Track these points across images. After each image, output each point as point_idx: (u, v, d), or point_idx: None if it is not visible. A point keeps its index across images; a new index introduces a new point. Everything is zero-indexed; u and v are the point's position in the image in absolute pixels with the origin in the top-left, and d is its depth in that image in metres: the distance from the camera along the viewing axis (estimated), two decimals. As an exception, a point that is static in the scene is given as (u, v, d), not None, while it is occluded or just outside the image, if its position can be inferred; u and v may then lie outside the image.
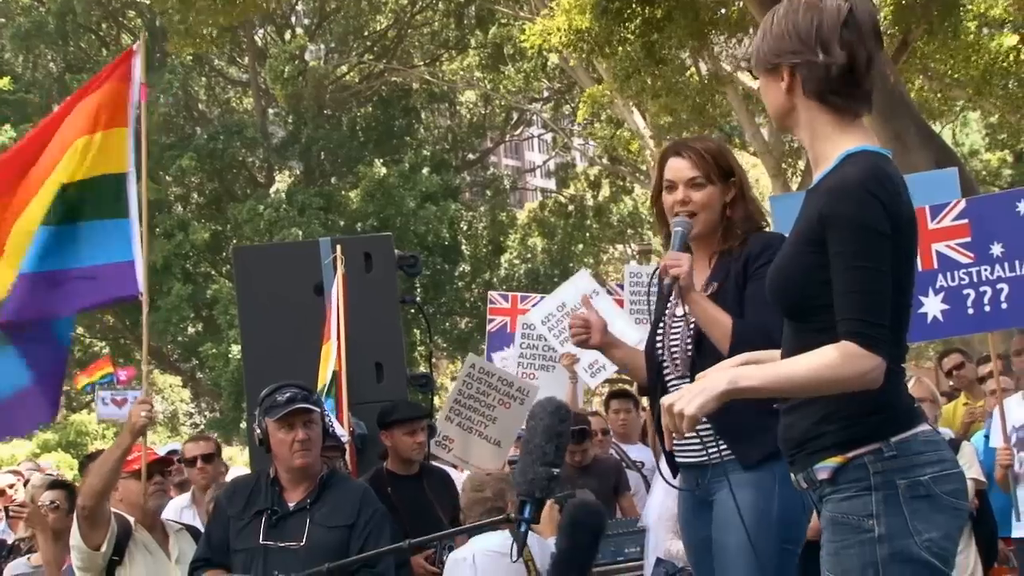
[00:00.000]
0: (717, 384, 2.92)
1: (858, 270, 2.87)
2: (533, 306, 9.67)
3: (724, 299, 4.00)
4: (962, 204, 6.83)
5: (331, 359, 6.29)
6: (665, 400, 2.96)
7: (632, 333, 6.71)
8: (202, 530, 5.75)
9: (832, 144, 3.02)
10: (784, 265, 3.07)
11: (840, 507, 2.94)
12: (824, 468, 2.97)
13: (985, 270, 6.65)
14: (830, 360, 2.84)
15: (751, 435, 3.88)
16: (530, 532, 5.15)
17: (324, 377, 6.28)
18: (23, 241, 5.77)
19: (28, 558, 6.72)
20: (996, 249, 6.63)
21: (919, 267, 6.48)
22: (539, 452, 3.33)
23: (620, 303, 8.64)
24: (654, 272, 4.17)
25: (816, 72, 3.00)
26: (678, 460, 4.16)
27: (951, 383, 9.14)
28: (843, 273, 2.88)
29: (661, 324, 4.20)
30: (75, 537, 5.19)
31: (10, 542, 7.77)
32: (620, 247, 37.05)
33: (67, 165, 5.84)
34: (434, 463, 7.16)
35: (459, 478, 7.24)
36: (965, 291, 6.70)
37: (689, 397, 2.91)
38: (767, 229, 4.39)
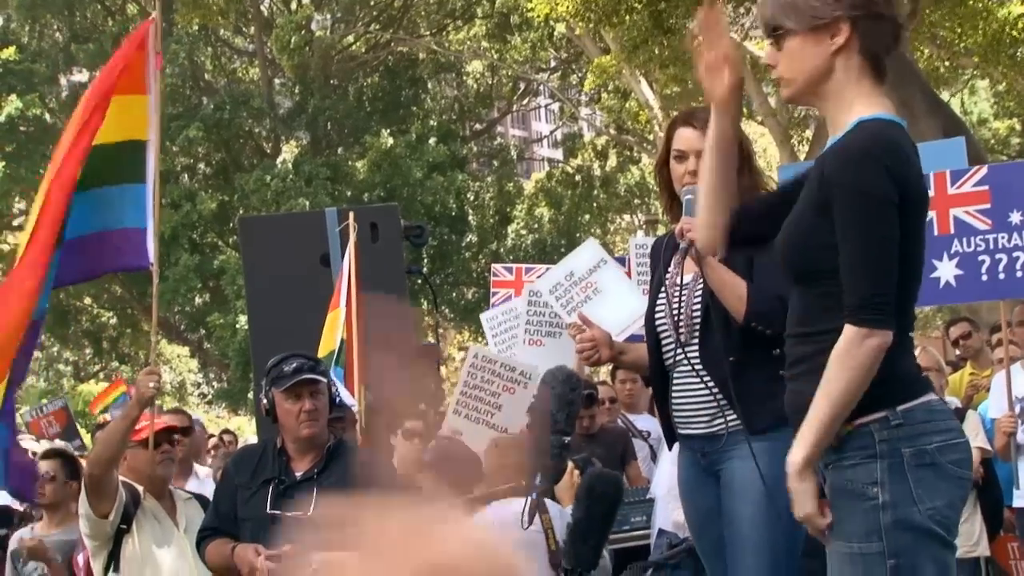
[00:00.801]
0: (796, 480, 2.98)
1: (859, 239, 2.86)
2: (538, 277, 9.68)
3: (732, 267, 4.00)
4: (983, 171, 6.80)
5: (339, 327, 6.29)
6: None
7: (637, 303, 6.71)
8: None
9: (851, 113, 2.99)
10: (791, 231, 3.06)
11: (845, 474, 2.96)
12: None
13: (1002, 237, 6.63)
14: (845, 359, 2.86)
15: (761, 401, 3.88)
16: (551, 501, 5.18)
17: (331, 344, 6.28)
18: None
19: (32, 527, 6.75)
20: (1015, 217, 6.61)
21: (935, 231, 6.48)
22: (550, 420, 3.32)
23: (629, 275, 8.63)
24: (667, 234, 4.17)
25: (880, 28, 2.94)
26: (681, 432, 4.16)
27: (958, 352, 9.13)
28: (845, 243, 2.89)
29: (661, 295, 4.20)
30: (83, 505, 5.22)
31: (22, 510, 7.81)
32: (627, 217, 36.98)
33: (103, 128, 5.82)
34: None
35: None
36: (980, 257, 6.68)
37: (800, 505, 2.99)
38: None
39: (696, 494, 4.15)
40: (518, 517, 5.27)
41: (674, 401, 4.11)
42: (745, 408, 3.92)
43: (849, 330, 2.85)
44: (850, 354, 2.85)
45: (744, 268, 3.99)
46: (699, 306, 4.07)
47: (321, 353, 6.25)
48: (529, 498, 3.36)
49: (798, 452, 2.94)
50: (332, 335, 6.29)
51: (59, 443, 8.77)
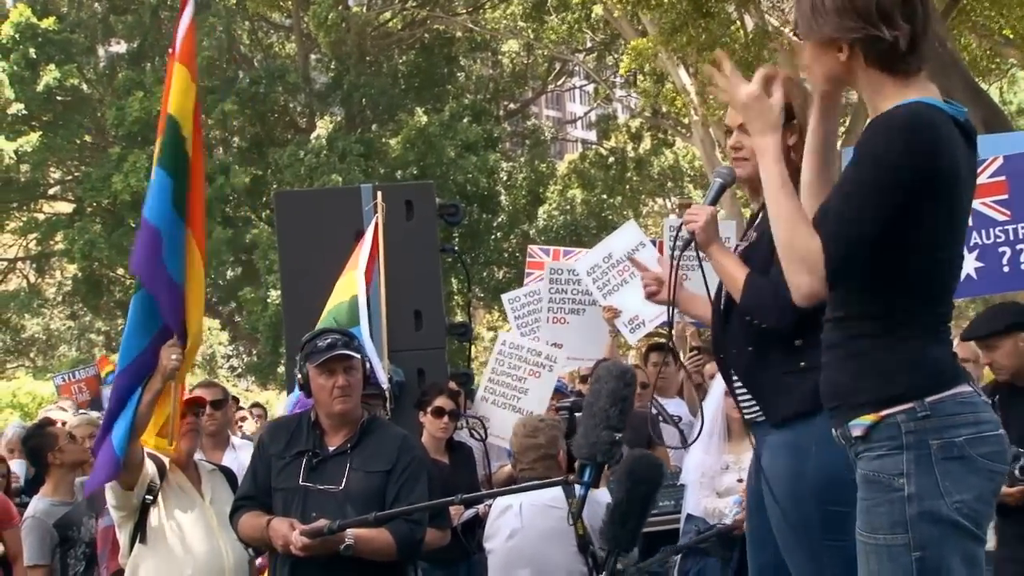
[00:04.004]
0: (767, 131, 3.19)
1: (851, 196, 2.92)
2: (575, 261, 9.69)
3: (756, 250, 3.94)
4: (999, 161, 6.72)
5: (358, 287, 6.28)
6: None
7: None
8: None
9: (891, 101, 2.99)
10: (826, 215, 3.04)
11: (872, 465, 2.95)
12: (858, 425, 2.97)
13: (1022, 228, 6.57)
14: (804, 240, 2.96)
15: (775, 393, 3.84)
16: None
17: (339, 297, 6.29)
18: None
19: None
20: None
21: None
22: (602, 416, 3.30)
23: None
24: (679, 225, 4.14)
25: (880, 46, 2.96)
26: (746, 416, 4.11)
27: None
28: (838, 191, 2.98)
29: None
30: None
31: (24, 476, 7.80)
32: (660, 200, 36.87)
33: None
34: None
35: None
36: (1000, 249, 6.62)
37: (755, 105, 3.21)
38: None
39: (752, 477, 4.11)
40: (549, 500, 5.28)
41: (734, 384, 4.07)
42: (763, 399, 3.89)
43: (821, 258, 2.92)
44: (805, 250, 2.95)
45: (766, 252, 3.92)
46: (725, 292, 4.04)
47: (329, 305, 6.28)
48: (580, 492, 3.34)
49: (770, 150, 3.15)
50: (345, 292, 6.30)
51: (92, 413, 8.81)
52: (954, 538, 2.88)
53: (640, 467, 3.28)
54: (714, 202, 4.03)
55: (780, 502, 3.77)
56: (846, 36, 2.98)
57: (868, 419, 2.95)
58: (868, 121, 3.02)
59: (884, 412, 2.92)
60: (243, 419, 10.38)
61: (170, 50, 5.64)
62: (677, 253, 3.92)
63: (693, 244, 3.98)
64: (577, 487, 3.37)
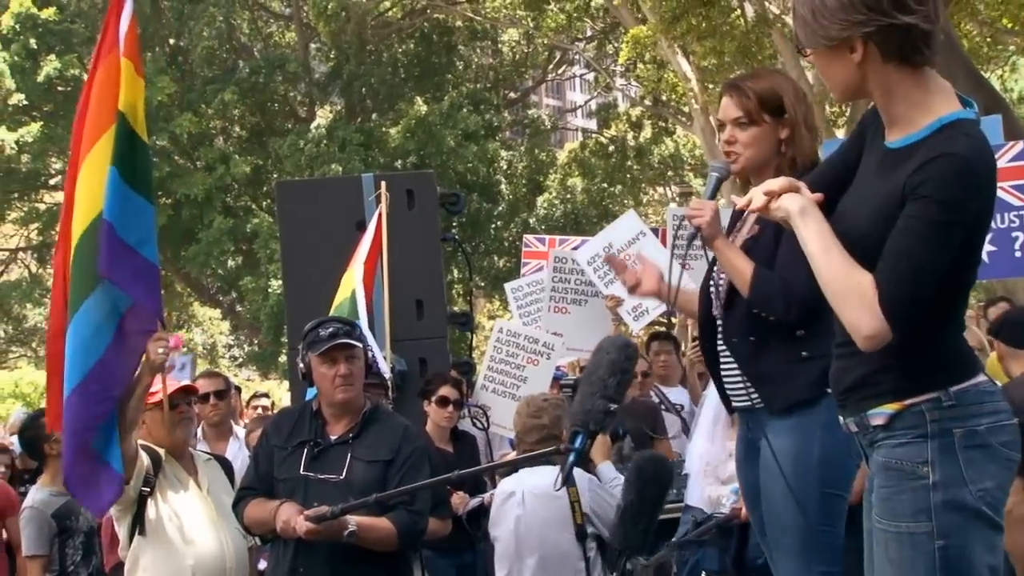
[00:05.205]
0: (792, 207, 2.97)
1: (918, 254, 2.81)
2: (572, 248, 9.68)
3: (760, 243, 3.97)
4: (1019, 146, 6.72)
5: (356, 281, 6.31)
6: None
7: (674, 277, 6.71)
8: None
9: (918, 108, 2.91)
10: (858, 211, 2.99)
11: (894, 453, 2.94)
12: (879, 414, 2.96)
13: None
14: (857, 291, 2.84)
15: (776, 382, 3.87)
16: (580, 472, 5.18)
17: (343, 293, 6.32)
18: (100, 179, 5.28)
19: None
20: None
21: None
22: (600, 385, 3.29)
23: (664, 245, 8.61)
24: (682, 217, 4.15)
25: (896, 36, 2.85)
26: (732, 404, 4.14)
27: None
28: (903, 246, 2.83)
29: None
30: None
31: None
32: (660, 189, 36.82)
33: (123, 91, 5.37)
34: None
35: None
36: (1014, 233, 6.62)
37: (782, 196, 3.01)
38: None
39: (745, 469, 4.14)
40: (550, 488, 5.28)
41: (723, 372, 4.10)
42: (764, 388, 3.92)
43: (879, 302, 2.83)
44: (860, 299, 2.84)
45: (770, 244, 3.94)
46: (724, 282, 4.06)
47: (336, 302, 6.30)
48: (569, 459, 3.32)
49: (802, 212, 2.97)
50: (347, 288, 6.33)
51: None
52: (977, 526, 2.89)
53: (650, 468, 3.29)
54: (713, 196, 4.03)
55: (780, 482, 3.80)
56: (857, 31, 2.84)
57: (891, 407, 2.94)
58: (903, 141, 2.91)
59: (908, 401, 2.92)
60: (255, 408, 10.15)
61: (112, 47, 5.48)
62: (682, 247, 3.92)
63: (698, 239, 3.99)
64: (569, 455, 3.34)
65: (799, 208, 2.95)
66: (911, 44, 2.86)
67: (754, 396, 4.00)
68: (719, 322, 4.06)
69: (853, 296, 2.85)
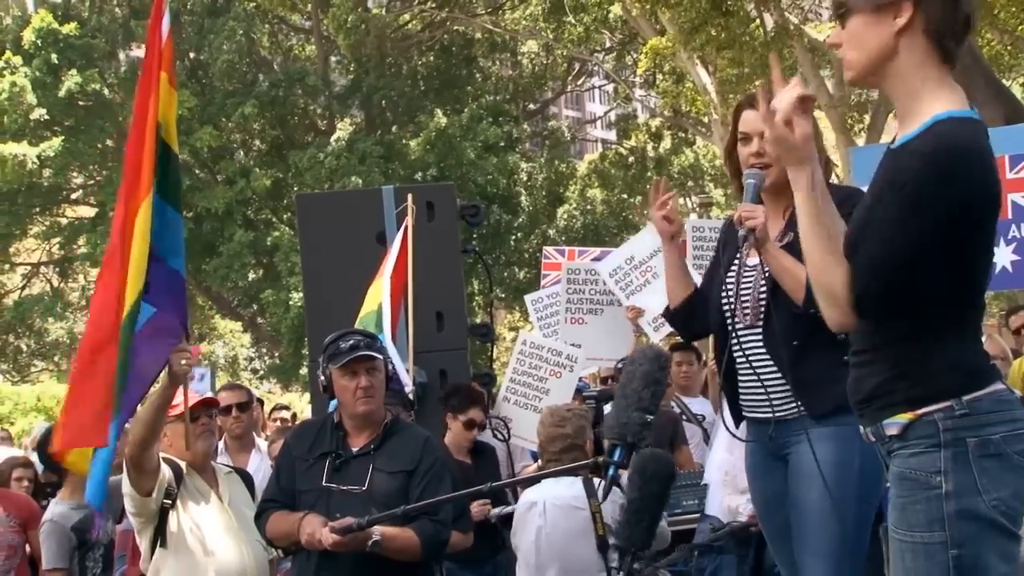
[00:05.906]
0: (803, 162, 3.01)
1: (878, 237, 2.88)
2: (592, 260, 9.69)
3: (794, 249, 3.96)
4: None
5: (381, 294, 6.33)
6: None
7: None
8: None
9: (923, 103, 2.92)
10: (863, 227, 2.99)
11: (908, 463, 2.93)
12: (894, 424, 2.95)
13: None
14: (831, 286, 2.94)
15: (821, 387, 3.87)
16: (598, 479, 5.17)
17: (369, 306, 6.33)
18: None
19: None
20: None
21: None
22: (635, 397, 3.29)
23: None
24: (727, 222, 4.15)
25: (947, 10, 2.87)
26: (747, 415, 4.14)
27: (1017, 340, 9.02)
28: (869, 231, 2.90)
29: (732, 272, 4.18)
30: (125, 485, 5.24)
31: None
32: (680, 200, 36.75)
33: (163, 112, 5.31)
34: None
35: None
36: None
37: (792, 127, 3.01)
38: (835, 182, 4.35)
39: (763, 478, 4.13)
40: (572, 500, 5.28)
41: (741, 384, 4.10)
42: (806, 394, 3.92)
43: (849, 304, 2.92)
44: (832, 296, 2.95)
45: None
46: (765, 289, 4.05)
47: (361, 314, 6.32)
48: (609, 472, 3.34)
49: (809, 184, 3.00)
50: (373, 301, 6.35)
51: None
52: (991, 535, 2.87)
53: (651, 465, 3.28)
54: (759, 201, 4.03)
55: (817, 490, 3.79)
56: None
57: (905, 417, 2.94)
58: (903, 138, 2.94)
59: (922, 410, 2.91)
60: (276, 420, 10.11)
61: (152, 60, 5.44)
62: (743, 250, 3.94)
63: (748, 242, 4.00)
64: (609, 469, 3.36)
65: (805, 176, 3.02)
66: (953, 28, 2.88)
67: (778, 406, 3.99)
68: (743, 333, 4.06)
69: (823, 292, 3.00)
